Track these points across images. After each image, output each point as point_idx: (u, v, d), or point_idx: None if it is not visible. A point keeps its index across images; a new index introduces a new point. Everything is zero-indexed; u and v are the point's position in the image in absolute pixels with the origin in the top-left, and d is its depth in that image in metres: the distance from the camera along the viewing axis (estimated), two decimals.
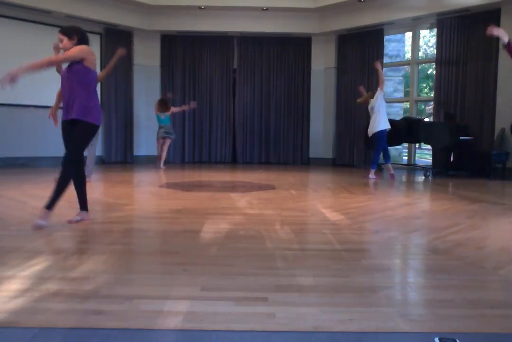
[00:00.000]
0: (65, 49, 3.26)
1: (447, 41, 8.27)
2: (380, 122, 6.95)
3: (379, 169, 7.89)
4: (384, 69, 9.60)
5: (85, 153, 6.12)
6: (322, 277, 2.14)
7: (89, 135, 3.31)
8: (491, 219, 3.82)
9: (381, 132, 6.96)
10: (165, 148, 8.65)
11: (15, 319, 1.59)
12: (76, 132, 3.23)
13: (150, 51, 10.03)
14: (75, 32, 3.29)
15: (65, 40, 3.26)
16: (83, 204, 3.43)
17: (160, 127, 8.67)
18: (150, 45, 10.01)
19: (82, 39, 3.31)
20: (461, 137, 7.45)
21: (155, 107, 8.72)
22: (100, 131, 6.28)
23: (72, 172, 3.23)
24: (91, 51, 3.27)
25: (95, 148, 6.19)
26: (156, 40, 10.03)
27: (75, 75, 3.21)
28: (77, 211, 3.43)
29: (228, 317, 1.65)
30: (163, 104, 8.63)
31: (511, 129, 4.18)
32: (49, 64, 3.13)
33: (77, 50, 3.19)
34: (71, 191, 3.48)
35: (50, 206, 3.16)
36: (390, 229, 3.31)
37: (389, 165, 7.15)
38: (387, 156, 7.19)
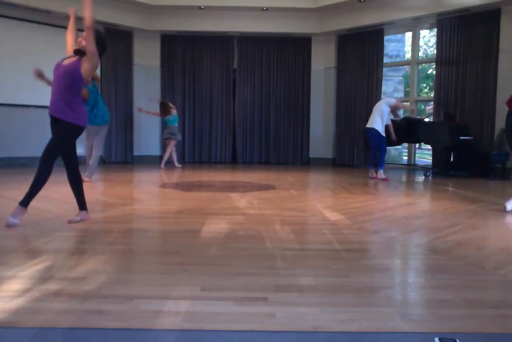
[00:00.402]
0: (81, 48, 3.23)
1: (447, 41, 8.27)
2: (371, 122, 7.00)
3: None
4: (384, 69, 9.63)
5: (83, 152, 6.18)
6: (322, 277, 2.14)
7: (71, 135, 3.27)
8: (491, 219, 3.82)
9: (368, 130, 7.00)
10: (168, 149, 8.70)
11: (15, 319, 1.60)
12: (58, 132, 3.24)
13: (150, 51, 10.02)
14: (99, 44, 3.25)
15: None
16: (82, 204, 3.43)
17: (165, 128, 8.74)
18: (150, 45, 10.00)
19: (100, 53, 3.29)
20: (461, 137, 7.45)
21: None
22: (103, 132, 6.20)
23: (48, 168, 3.18)
24: (97, 66, 3.27)
25: (100, 149, 6.19)
26: (156, 40, 10.03)
27: (67, 75, 3.17)
28: (77, 211, 3.43)
29: (228, 317, 1.65)
30: (161, 108, 8.70)
31: (505, 132, 4.16)
32: (90, 17, 3.11)
33: (95, 52, 3.18)
34: (71, 191, 3.48)
35: (24, 202, 3.17)
36: (390, 229, 3.31)
37: (381, 170, 7.03)
38: (379, 162, 7.06)
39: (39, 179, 3.17)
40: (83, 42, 3.19)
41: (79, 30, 3.19)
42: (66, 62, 3.27)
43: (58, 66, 3.28)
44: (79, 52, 3.22)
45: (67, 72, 3.18)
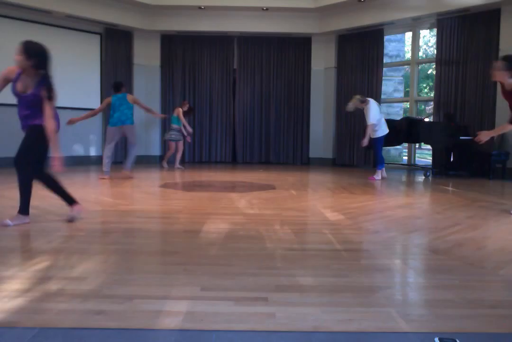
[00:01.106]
0: (19, 63, 3.12)
1: (447, 41, 8.27)
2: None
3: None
4: (384, 69, 9.64)
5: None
6: (322, 277, 2.14)
7: (42, 136, 3.25)
8: (491, 219, 3.82)
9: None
10: (169, 149, 8.80)
11: (15, 319, 1.60)
12: (30, 134, 3.32)
13: (150, 51, 10.02)
14: (36, 56, 3.10)
15: (23, 58, 3.08)
16: (69, 199, 3.43)
17: None
18: (150, 45, 10.01)
19: (39, 65, 3.13)
20: (461, 137, 7.45)
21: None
22: (131, 132, 6.56)
23: (27, 171, 3.22)
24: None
25: (134, 147, 6.77)
26: (156, 40, 10.03)
27: (35, 103, 3.25)
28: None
29: (228, 317, 1.65)
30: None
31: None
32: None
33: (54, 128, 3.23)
34: (73, 191, 3.48)
35: (21, 210, 3.23)
36: (390, 229, 3.31)
37: (377, 170, 7.09)
38: (376, 162, 7.15)
39: (25, 183, 3.20)
40: (19, 58, 3.09)
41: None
42: (24, 89, 3.20)
43: (18, 96, 3.23)
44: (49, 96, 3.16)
45: (34, 102, 3.21)
